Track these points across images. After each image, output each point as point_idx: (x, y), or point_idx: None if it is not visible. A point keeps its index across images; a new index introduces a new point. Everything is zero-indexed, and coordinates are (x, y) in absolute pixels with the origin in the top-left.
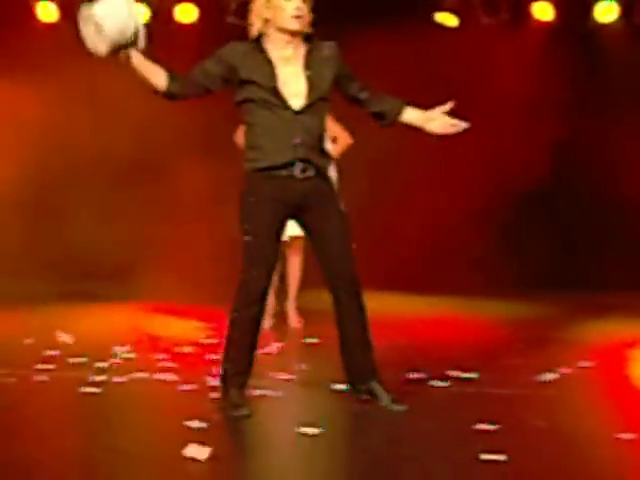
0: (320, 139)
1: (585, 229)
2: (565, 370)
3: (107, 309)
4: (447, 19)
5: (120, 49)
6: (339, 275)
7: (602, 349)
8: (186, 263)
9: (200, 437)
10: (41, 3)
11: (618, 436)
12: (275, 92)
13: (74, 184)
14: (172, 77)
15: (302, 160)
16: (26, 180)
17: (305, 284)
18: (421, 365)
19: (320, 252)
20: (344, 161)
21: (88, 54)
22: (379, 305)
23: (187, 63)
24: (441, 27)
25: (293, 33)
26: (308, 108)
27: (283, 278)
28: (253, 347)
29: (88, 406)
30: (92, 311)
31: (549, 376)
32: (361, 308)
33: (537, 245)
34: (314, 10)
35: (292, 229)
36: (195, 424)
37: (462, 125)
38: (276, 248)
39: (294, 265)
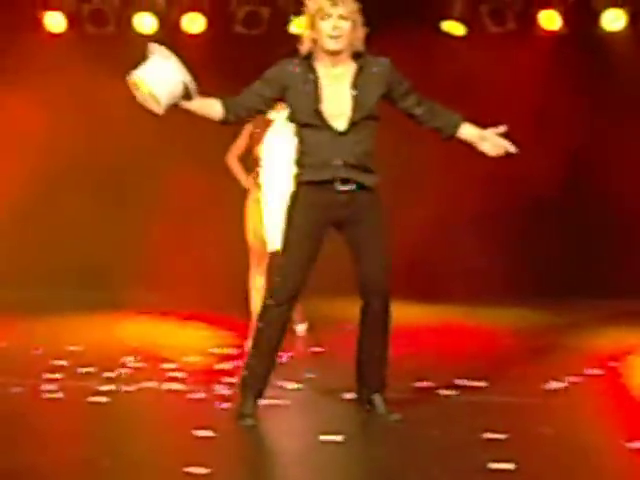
0: (366, 157)
1: (592, 236)
2: (573, 378)
3: (115, 318)
4: (454, 28)
5: (175, 104)
6: (371, 288)
7: (610, 357)
8: (193, 271)
9: (208, 446)
10: (49, 13)
11: (627, 445)
12: (318, 114)
13: (79, 193)
14: (226, 106)
15: (342, 179)
16: (29, 190)
17: (311, 292)
18: (429, 374)
19: (355, 263)
20: None
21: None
22: None
23: (195, 73)
24: (448, 36)
25: (333, 53)
26: (352, 128)
27: None
28: (275, 353)
29: (96, 416)
30: (100, 320)
31: (557, 385)
32: (386, 324)
33: (543, 253)
34: (366, 24)
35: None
36: (203, 433)
37: (511, 149)
38: (313, 253)
39: None
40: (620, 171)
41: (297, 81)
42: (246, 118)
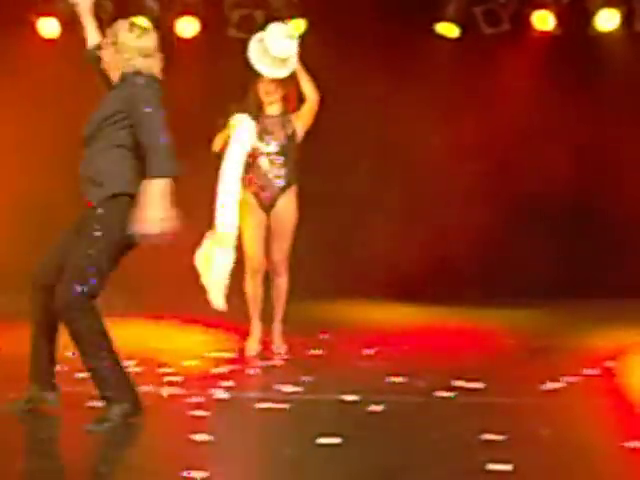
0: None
1: (588, 238)
2: (570, 379)
3: (111, 323)
4: (448, 30)
5: None
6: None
7: (607, 357)
8: (190, 275)
9: (206, 450)
10: (42, 18)
11: (624, 444)
12: None
13: (73, 199)
14: None
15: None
16: (27, 193)
17: (308, 295)
18: (426, 375)
19: None
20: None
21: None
22: (384, 315)
23: (188, 76)
24: (442, 38)
25: None
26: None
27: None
28: None
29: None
30: None
31: (554, 385)
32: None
33: (541, 254)
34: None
35: None
36: (201, 437)
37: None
38: None
39: (280, 287)
40: (617, 170)
41: None
42: None
